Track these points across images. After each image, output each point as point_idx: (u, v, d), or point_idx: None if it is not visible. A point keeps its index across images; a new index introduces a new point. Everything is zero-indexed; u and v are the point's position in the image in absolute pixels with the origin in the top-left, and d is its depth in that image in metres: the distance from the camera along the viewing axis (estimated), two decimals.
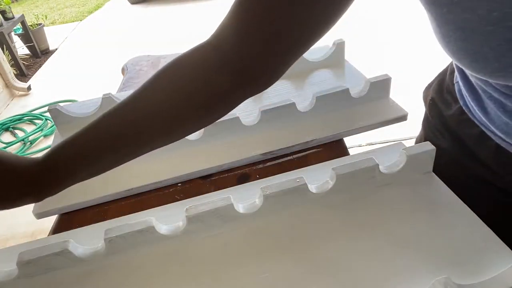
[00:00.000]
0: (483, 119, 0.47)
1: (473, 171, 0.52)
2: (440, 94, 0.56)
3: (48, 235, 0.58)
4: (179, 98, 0.38)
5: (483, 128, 0.48)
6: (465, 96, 0.50)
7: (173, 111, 0.38)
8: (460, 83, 0.50)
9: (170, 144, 0.65)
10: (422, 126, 0.62)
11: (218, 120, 0.64)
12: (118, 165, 0.41)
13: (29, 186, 0.38)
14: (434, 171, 0.54)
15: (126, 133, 0.38)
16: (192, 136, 0.66)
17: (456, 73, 0.52)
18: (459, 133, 0.52)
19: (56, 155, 0.39)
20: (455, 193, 0.51)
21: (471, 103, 0.48)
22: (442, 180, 0.52)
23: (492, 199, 0.52)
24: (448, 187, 0.51)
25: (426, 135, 0.60)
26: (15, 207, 0.39)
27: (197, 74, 0.38)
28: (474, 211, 0.48)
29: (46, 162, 0.39)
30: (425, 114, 0.61)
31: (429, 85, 0.59)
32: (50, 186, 0.40)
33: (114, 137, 0.38)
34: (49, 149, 0.40)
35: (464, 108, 0.51)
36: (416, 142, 0.63)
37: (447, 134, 0.55)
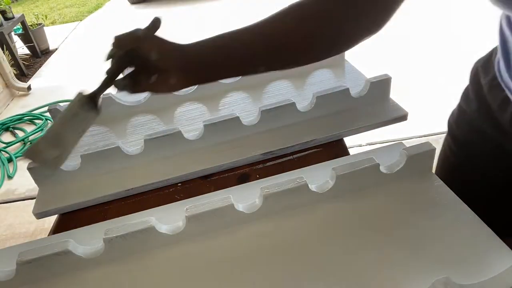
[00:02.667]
0: (507, 76, 0.49)
1: (492, 136, 0.53)
2: (484, 65, 0.57)
3: (48, 235, 0.58)
4: (303, 32, 0.45)
5: (508, 93, 0.49)
6: (498, 61, 0.52)
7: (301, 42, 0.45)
8: (498, 43, 0.52)
9: (170, 144, 0.65)
10: (461, 97, 0.64)
11: (218, 120, 0.65)
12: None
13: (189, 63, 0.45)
14: (455, 135, 0.56)
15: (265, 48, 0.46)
16: (192, 136, 0.66)
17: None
18: (487, 98, 0.54)
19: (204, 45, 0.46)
20: (473, 158, 0.53)
21: (500, 61, 0.50)
22: (461, 144, 0.53)
23: (507, 166, 0.53)
24: (466, 152, 0.52)
25: (461, 102, 0.62)
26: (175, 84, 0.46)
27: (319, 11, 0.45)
28: (489, 176, 0.50)
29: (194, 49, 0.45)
30: (466, 86, 0.63)
31: (480, 59, 0.61)
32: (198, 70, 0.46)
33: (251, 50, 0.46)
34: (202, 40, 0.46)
35: (497, 73, 0.52)
36: (452, 114, 0.65)
37: (476, 100, 0.57)
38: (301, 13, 0.45)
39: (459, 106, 0.62)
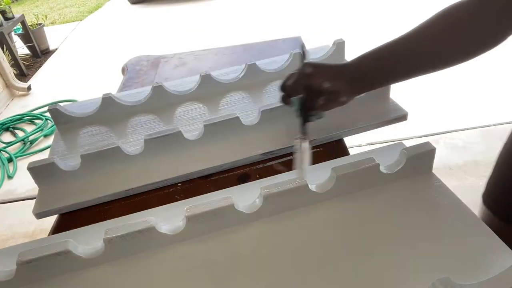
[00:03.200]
0: None
1: None
2: None
3: (48, 235, 0.58)
4: (455, 33, 0.49)
5: None
6: None
7: (450, 44, 0.50)
8: None
9: (170, 144, 0.65)
10: None
11: (218, 120, 0.65)
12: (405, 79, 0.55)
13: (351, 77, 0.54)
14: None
15: (417, 55, 0.52)
16: (192, 136, 0.66)
17: None
18: None
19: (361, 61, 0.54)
20: None
21: None
22: None
23: None
24: None
25: None
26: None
27: (469, 16, 0.49)
28: None
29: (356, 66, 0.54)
30: None
31: None
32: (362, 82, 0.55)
33: (405, 57, 0.52)
34: (357, 57, 0.55)
35: None
36: None
37: None
38: (454, 18, 0.50)
39: None
